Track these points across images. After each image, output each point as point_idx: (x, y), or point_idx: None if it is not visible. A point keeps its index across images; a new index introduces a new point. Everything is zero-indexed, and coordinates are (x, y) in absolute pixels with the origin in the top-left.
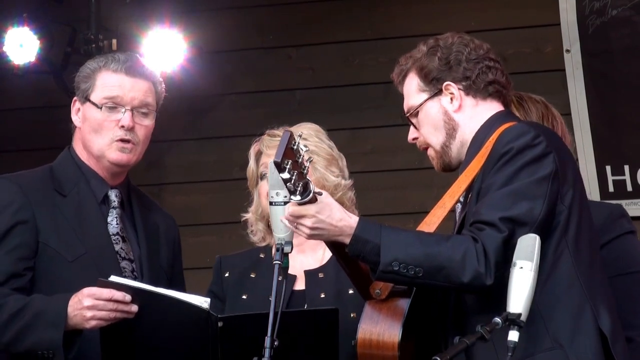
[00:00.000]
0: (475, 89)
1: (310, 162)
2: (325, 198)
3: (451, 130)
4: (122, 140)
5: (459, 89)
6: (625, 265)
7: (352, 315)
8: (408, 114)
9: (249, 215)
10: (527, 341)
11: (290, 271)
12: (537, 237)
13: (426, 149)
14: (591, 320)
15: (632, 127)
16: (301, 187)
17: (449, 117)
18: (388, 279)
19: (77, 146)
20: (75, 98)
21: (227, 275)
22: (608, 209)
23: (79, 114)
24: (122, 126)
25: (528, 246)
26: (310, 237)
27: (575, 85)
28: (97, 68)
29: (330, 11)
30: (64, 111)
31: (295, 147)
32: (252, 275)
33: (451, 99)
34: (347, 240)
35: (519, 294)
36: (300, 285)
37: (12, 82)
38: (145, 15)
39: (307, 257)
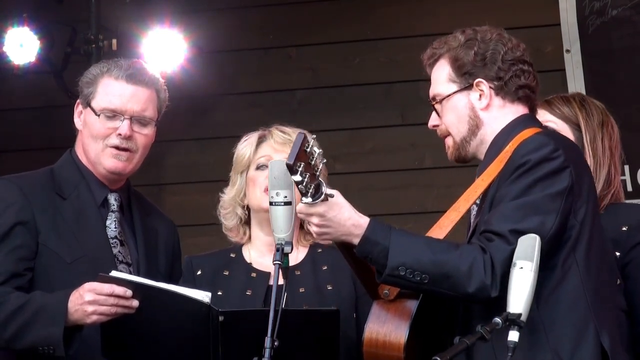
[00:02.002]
0: (506, 90)
1: (323, 163)
2: (336, 199)
3: (474, 127)
4: (118, 148)
5: (489, 87)
6: None
7: (332, 308)
8: (433, 101)
9: (225, 197)
10: (527, 351)
11: (264, 269)
12: (537, 237)
13: (446, 137)
14: (593, 336)
15: (632, 127)
16: (313, 189)
17: (475, 113)
18: (393, 283)
19: (79, 149)
20: (78, 101)
21: (199, 273)
22: None
23: (81, 117)
24: (119, 134)
25: (528, 246)
26: (319, 236)
27: (575, 85)
28: (100, 74)
29: (330, 11)
30: (64, 111)
31: (308, 149)
32: (226, 273)
33: (480, 96)
34: (356, 241)
35: (519, 294)
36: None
37: (12, 82)
38: (145, 15)
39: None
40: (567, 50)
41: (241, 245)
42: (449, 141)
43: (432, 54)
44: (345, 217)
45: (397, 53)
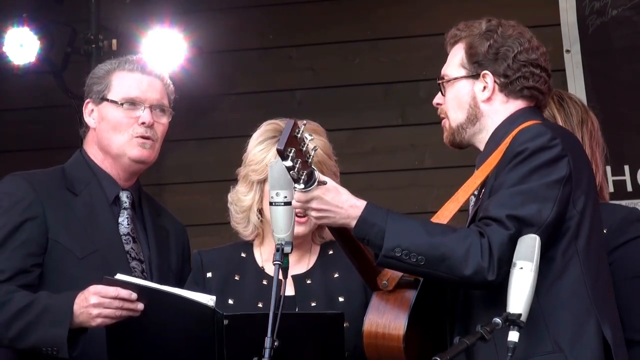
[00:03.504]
0: (510, 89)
1: (315, 150)
2: (331, 183)
3: (473, 116)
4: (142, 137)
5: (494, 81)
6: (638, 269)
7: (345, 325)
8: (440, 80)
9: (241, 204)
10: (528, 342)
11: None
12: (537, 238)
13: (444, 119)
14: (594, 327)
15: (632, 127)
16: (305, 176)
17: (476, 103)
18: (389, 265)
19: (89, 148)
20: (87, 100)
21: (209, 275)
22: (624, 211)
23: (93, 115)
24: (143, 123)
25: (528, 247)
26: (319, 220)
27: (575, 85)
28: (112, 69)
29: (330, 11)
30: (64, 111)
31: (299, 135)
32: (237, 278)
33: (484, 87)
34: (354, 223)
35: (519, 294)
36: (288, 291)
37: (12, 82)
38: (145, 15)
39: (292, 262)
40: (567, 50)
41: (252, 242)
42: (445, 124)
43: (454, 34)
44: (343, 199)
45: (397, 53)
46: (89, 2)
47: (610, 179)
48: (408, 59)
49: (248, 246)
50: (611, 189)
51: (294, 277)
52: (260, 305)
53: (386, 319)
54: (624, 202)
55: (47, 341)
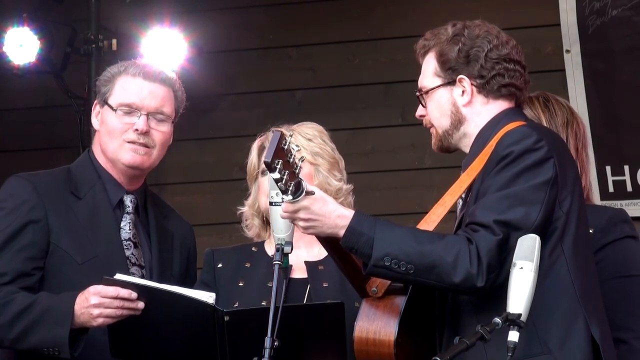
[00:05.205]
0: (488, 89)
1: (302, 161)
2: (319, 193)
3: (456, 121)
4: (134, 143)
5: (471, 84)
6: (623, 268)
7: (356, 305)
8: (419, 92)
9: (244, 209)
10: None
11: None
12: (537, 238)
13: (430, 127)
14: (583, 328)
15: (632, 127)
16: (293, 187)
17: (457, 109)
18: (379, 274)
19: (96, 149)
20: (95, 101)
21: (220, 265)
22: (610, 212)
23: (98, 117)
24: (136, 130)
25: (528, 247)
26: (306, 230)
27: (575, 86)
28: (118, 72)
29: (330, 11)
30: (64, 111)
31: (286, 146)
32: (247, 265)
33: (462, 92)
34: (342, 233)
35: (519, 294)
36: (300, 274)
37: (12, 82)
38: (145, 15)
39: (303, 252)
40: (567, 51)
41: (263, 241)
42: (433, 131)
43: (423, 46)
44: (330, 209)
45: (397, 53)
46: (89, 2)
47: (610, 179)
48: (408, 59)
49: (258, 243)
50: (611, 189)
51: (306, 262)
52: (270, 284)
53: (376, 325)
54: (623, 202)
55: (48, 342)
